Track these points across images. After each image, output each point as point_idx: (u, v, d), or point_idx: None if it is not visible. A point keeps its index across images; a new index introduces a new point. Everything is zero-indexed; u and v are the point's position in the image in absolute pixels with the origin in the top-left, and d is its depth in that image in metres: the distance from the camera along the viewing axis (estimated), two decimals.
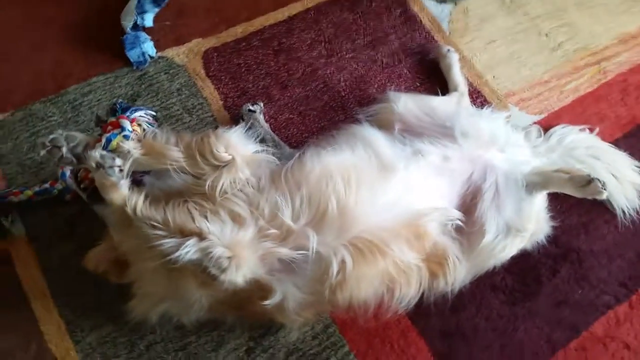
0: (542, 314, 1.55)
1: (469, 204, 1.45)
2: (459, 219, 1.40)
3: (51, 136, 1.34)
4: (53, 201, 1.54)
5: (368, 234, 1.28)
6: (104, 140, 1.35)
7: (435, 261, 1.37)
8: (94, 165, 1.26)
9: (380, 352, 1.48)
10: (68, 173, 1.48)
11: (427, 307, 1.49)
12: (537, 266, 1.61)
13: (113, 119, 1.41)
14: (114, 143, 1.35)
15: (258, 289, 1.23)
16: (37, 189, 1.52)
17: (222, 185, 1.28)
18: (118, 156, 1.29)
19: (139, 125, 1.42)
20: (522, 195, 1.46)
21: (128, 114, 1.43)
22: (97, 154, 1.27)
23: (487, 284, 1.57)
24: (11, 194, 1.51)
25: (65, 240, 1.54)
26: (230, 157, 1.31)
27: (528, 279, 1.59)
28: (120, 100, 1.52)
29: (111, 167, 1.26)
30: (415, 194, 1.36)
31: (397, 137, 1.51)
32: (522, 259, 1.58)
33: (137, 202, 1.24)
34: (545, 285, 1.59)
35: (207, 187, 1.28)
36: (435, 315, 1.52)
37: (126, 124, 1.39)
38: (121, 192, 1.27)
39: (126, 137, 1.36)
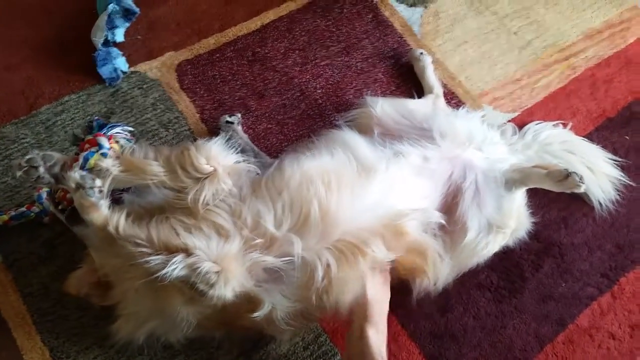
0: (528, 309, 1.57)
1: (450, 203, 1.46)
2: (440, 219, 1.41)
3: (27, 156, 1.31)
4: (30, 225, 1.50)
5: (350, 235, 1.28)
6: (81, 159, 1.33)
7: (416, 259, 1.38)
8: (73, 186, 1.24)
9: None
10: (45, 195, 1.45)
11: (416, 310, 1.50)
12: (520, 262, 1.64)
13: (90, 137, 1.38)
14: (91, 161, 1.32)
15: (247, 302, 1.21)
16: (13, 213, 1.48)
17: (205, 197, 1.27)
18: (97, 176, 1.26)
19: (117, 142, 1.40)
20: (501, 192, 1.47)
21: (105, 131, 1.41)
22: (76, 174, 1.25)
23: (472, 283, 1.58)
24: None
25: (45, 263, 1.50)
26: (212, 168, 1.29)
27: (512, 275, 1.61)
28: (96, 117, 1.49)
29: (91, 187, 1.24)
30: (396, 195, 1.37)
31: (377, 140, 1.51)
32: (505, 256, 1.61)
33: (119, 221, 1.22)
34: (529, 280, 1.61)
35: (189, 200, 1.26)
36: (424, 318, 1.53)
37: (104, 141, 1.37)
38: (101, 212, 1.24)
39: (104, 155, 1.33)
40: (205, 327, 1.28)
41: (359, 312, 1.21)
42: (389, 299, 1.31)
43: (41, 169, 1.31)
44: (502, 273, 1.61)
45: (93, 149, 1.35)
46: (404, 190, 1.39)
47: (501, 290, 1.59)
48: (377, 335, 1.17)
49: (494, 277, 1.60)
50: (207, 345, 1.43)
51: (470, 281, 1.58)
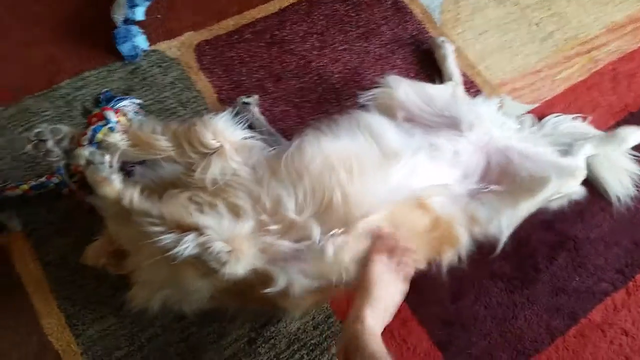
0: (540, 301, 1.56)
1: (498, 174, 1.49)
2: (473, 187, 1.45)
3: (36, 130, 1.32)
4: (50, 195, 1.52)
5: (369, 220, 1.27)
6: (89, 132, 1.34)
7: (442, 235, 1.37)
8: (83, 162, 1.26)
9: None
10: (64, 167, 1.46)
11: (427, 296, 1.50)
12: (535, 254, 1.62)
13: (97, 111, 1.39)
14: (99, 135, 1.33)
15: (260, 278, 1.22)
16: (33, 183, 1.49)
17: (212, 173, 1.27)
18: (106, 150, 1.28)
19: (124, 115, 1.40)
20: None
21: (112, 104, 1.41)
22: (85, 151, 1.26)
23: (485, 272, 1.58)
24: (7, 189, 1.49)
25: (63, 234, 1.52)
26: (219, 144, 1.30)
27: (526, 266, 1.60)
28: (105, 90, 1.48)
29: (101, 162, 1.25)
30: (419, 179, 1.36)
31: (402, 125, 1.50)
32: (519, 247, 1.60)
33: (133, 196, 1.23)
34: (543, 272, 1.60)
35: (197, 174, 1.27)
36: (435, 304, 1.52)
37: (110, 115, 1.37)
38: (114, 186, 1.26)
39: (111, 129, 1.34)
40: (219, 299, 1.29)
41: (361, 292, 1.19)
42: (401, 291, 1.27)
43: (50, 143, 1.32)
44: (516, 264, 1.60)
45: (101, 123, 1.36)
46: (428, 175, 1.39)
47: (514, 281, 1.58)
48: (373, 320, 1.14)
49: (508, 267, 1.59)
50: (220, 319, 1.44)
51: (483, 270, 1.57)
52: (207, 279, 1.21)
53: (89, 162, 1.25)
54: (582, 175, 1.56)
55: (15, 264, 1.49)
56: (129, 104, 1.45)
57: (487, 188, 1.47)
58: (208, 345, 1.43)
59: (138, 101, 1.48)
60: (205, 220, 1.16)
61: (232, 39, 1.93)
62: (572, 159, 1.57)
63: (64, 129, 1.36)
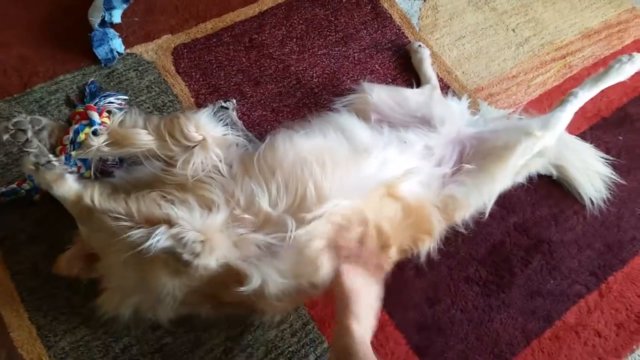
0: (516, 304, 1.58)
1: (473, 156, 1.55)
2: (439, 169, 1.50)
3: (14, 119, 1.29)
4: (21, 202, 1.49)
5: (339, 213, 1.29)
6: (72, 132, 1.32)
7: (415, 222, 1.40)
8: (32, 167, 1.24)
9: None
10: None
11: (404, 300, 1.51)
12: (510, 257, 1.64)
13: (81, 109, 1.37)
14: (82, 135, 1.32)
15: (233, 275, 1.21)
16: (3, 189, 1.46)
17: (193, 165, 1.28)
18: (86, 151, 1.27)
19: (109, 113, 1.38)
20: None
21: (97, 100, 1.39)
22: (30, 156, 1.25)
23: (461, 276, 1.59)
24: None
25: (35, 242, 1.49)
26: (201, 137, 1.30)
27: (501, 270, 1.62)
28: (91, 80, 1.44)
29: (49, 162, 1.24)
30: (390, 168, 1.39)
31: (374, 126, 1.53)
32: (494, 250, 1.63)
33: (94, 194, 1.22)
34: (518, 276, 1.62)
35: (177, 167, 1.27)
36: (411, 309, 1.53)
37: (95, 116, 1.35)
38: (69, 184, 1.25)
39: (94, 132, 1.32)
40: (192, 303, 1.28)
41: (340, 305, 1.20)
42: (377, 294, 1.28)
43: (29, 133, 1.29)
44: (491, 268, 1.62)
45: (84, 122, 1.34)
46: (398, 168, 1.41)
47: (489, 285, 1.60)
48: (361, 329, 1.15)
49: (483, 271, 1.61)
50: (195, 328, 1.43)
51: (459, 274, 1.59)
52: (178, 278, 1.20)
53: (37, 165, 1.24)
54: (551, 129, 1.59)
55: None
56: (114, 100, 1.42)
57: (461, 168, 1.51)
58: (183, 355, 1.41)
59: (124, 97, 1.46)
60: (175, 211, 1.16)
61: (210, 42, 1.91)
62: (540, 118, 1.62)
63: (44, 120, 1.34)
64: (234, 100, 1.76)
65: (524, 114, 1.80)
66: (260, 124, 1.77)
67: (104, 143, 1.30)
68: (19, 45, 1.82)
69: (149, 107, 1.74)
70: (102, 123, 1.35)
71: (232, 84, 1.84)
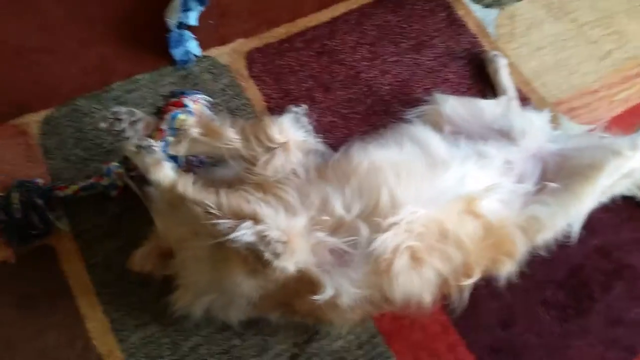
0: (595, 332, 1.49)
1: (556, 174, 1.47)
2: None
3: (113, 109, 1.36)
4: (99, 198, 1.52)
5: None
6: (169, 117, 1.37)
7: (496, 242, 1.35)
8: (134, 149, 1.30)
9: None
10: (113, 169, 1.47)
11: (477, 321, 1.45)
12: (590, 282, 1.55)
13: (175, 100, 1.42)
14: (181, 116, 1.37)
15: (307, 283, 1.20)
16: (82, 184, 1.50)
17: (274, 166, 1.32)
18: (182, 137, 1.35)
19: (200, 104, 1.44)
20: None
21: (188, 93, 1.44)
22: (133, 139, 1.32)
23: (538, 299, 1.52)
24: (56, 189, 1.50)
25: (111, 237, 1.52)
26: (284, 139, 1.34)
27: (580, 295, 1.53)
28: (175, 89, 1.52)
29: (150, 146, 1.30)
30: (469, 183, 1.35)
31: (448, 138, 1.49)
32: (573, 274, 1.54)
33: (187, 183, 1.26)
34: (598, 302, 1.53)
35: (258, 165, 1.31)
36: (484, 330, 1.47)
37: (189, 102, 1.41)
38: (166, 171, 1.29)
39: (190, 114, 1.38)
40: (263, 308, 1.28)
41: None
42: None
43: (125, 123, 1.35)
44: (570, 292, 1.53)
45: (179, 110, 1.38)
46: (478, 183, 1.36)
47: (567, 309, 1.51)
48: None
49: (561, 295, 1.53)
50: (263, 332, 1.42)
51: (535, 297, 1.51)
52: (255, 279, 1.20)
53: (139, 148, 1.30)
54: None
55: (62, 264, 1.49)
56: (202, 100, 1.48)
57: (545, 187, 1.44)
58: (250, 358, 1.40)
59: (209, 99, 1.52)
60: (263, 209, 1.18)
61: (283, 47, 1.91)
62: (629, 138, 1.52)
63: (139, 113, 1.39)
64: (305, 106, 1.75)
65: (606, 131, 1.71)
66: (330, 130, 1.76)
67: (197, 132, 1.36)
68: (98, 44, 1.87)
69: (222, 110, 1.75)
70: (194, 109, 1.41)
71: (302, 88, 1.83)
